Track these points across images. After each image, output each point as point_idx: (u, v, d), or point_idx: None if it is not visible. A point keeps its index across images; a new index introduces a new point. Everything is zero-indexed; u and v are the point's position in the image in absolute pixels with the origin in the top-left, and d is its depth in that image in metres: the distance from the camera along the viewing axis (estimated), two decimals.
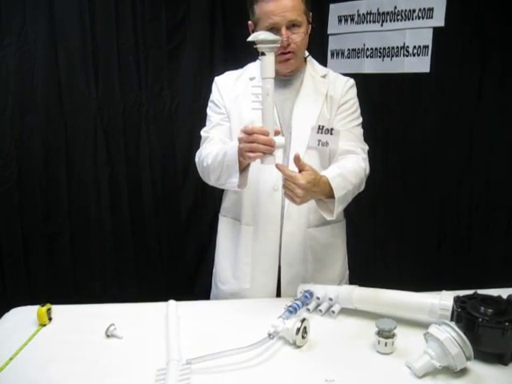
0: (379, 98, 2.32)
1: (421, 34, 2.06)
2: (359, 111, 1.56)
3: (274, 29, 1.36)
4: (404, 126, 2.30)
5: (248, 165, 1.36)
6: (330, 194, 1.33)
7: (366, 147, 1.56)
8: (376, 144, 2.34)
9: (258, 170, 1.44)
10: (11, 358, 1.16)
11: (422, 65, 2.07)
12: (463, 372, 1.07)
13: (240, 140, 1.26)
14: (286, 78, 1.50)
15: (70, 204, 2.36)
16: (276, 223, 1.50)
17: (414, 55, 2.10)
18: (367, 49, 2.28)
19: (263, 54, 1.24)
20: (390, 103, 2.30)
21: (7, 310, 1.42)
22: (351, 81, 1.57)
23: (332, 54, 2.43)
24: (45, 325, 1.32)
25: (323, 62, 2.41)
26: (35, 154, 2.28)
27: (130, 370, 1.12)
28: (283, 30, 1.36)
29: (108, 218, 2.42)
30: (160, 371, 1.08)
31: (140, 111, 2.41)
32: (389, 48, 2.19)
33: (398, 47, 2.16)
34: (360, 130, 1.56)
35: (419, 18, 2.07)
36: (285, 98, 1.50)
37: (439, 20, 2.00)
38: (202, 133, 1.57)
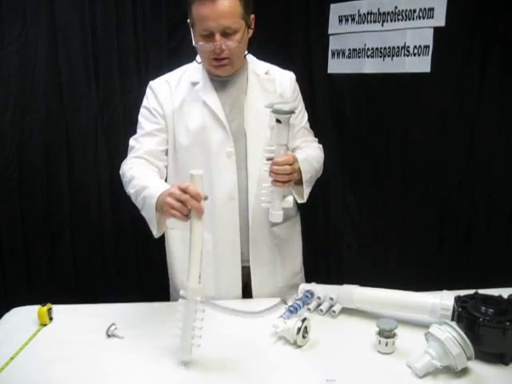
0: (380, 98, 2.31)
1: (421, 34, 2.06)
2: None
3: (209, 33, 1.33)
4: (404, 125, 2.29)
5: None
6: (298, 178, 1.39)
7: (316, 138, 1.66)
8: (376, 143, 2.35)
9: (210, 181, 1.44)
10: (12, 358, 1.17)
11: (422, 65, 2.07)
12: (464, 372, 1.07)
13: (170, 195, 1.15)
14: (228, 78, 1.48)
15: (70, 204, 2.35)
16: (235, 231, 1.49)
17: (414, 55, 2.09)
18: (368, 49, 2.27)
19: (278, 121, 1.27)
20: (391, 103, 2.29)
21: (8, 310, 1.43)
22: (293, 75, 1.59)
23: (333, 54, 2.42)
24: (45, 324, 1.32)
25: (324, 61, 2.43)
26: (36, 154, 2.27)
27: (131, 369, 1.13)
28: (217, 36, 1.32)
29: (109, 217, 2.41)
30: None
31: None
32: (389, 48, 2.19)
33: (398, 47, 2.15)
34: (307, 122, 1.63)
35: (420, 18, 2.06)
36: (233, 100, 1.47)
37: (440, 20, 2.00)
38: (131, 141, 1.53)
